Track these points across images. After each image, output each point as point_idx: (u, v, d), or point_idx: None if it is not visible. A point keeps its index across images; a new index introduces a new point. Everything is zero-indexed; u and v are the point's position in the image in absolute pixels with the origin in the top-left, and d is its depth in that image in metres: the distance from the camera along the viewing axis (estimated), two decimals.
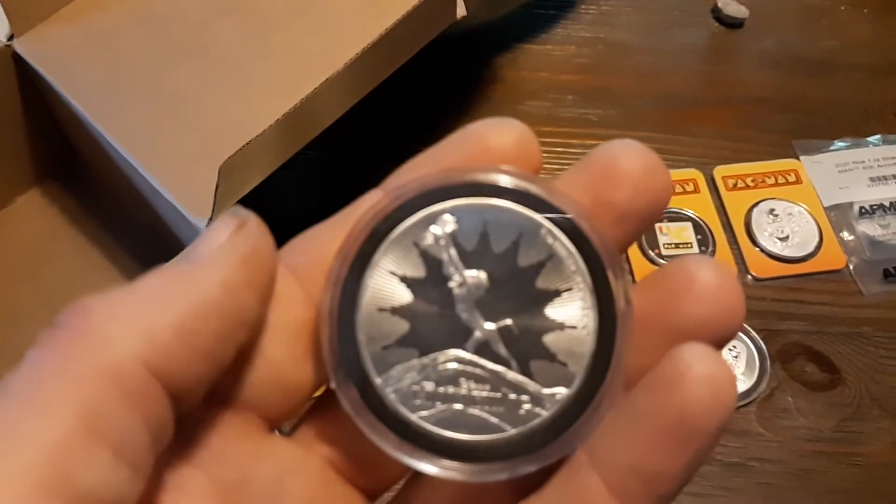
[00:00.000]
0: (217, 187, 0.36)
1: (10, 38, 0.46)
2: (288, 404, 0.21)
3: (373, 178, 0.58)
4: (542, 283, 0.20)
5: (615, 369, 0.19)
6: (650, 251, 0.50)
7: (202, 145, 0.42)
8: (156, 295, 0.18)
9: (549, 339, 0.20)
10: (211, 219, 0.38)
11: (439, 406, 0.20)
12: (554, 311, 0.20)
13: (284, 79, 0.44)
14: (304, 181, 0.55)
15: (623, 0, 0.64)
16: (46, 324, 0.18)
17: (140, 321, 0.17)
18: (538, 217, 0.20)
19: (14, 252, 0.50)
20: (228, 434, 0.20)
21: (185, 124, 0.43)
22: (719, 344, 0.19)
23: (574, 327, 0.20)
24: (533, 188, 0.20)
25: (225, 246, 0.18)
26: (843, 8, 0.64)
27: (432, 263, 0.20)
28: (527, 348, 0.20)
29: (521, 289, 0.20)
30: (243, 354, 0.20)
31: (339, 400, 0.20)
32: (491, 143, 0.21)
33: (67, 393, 0.16)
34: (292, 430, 0.22)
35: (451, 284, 0.20)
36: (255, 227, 0.19)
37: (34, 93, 0.48)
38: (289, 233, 0.54)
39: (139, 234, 0.49)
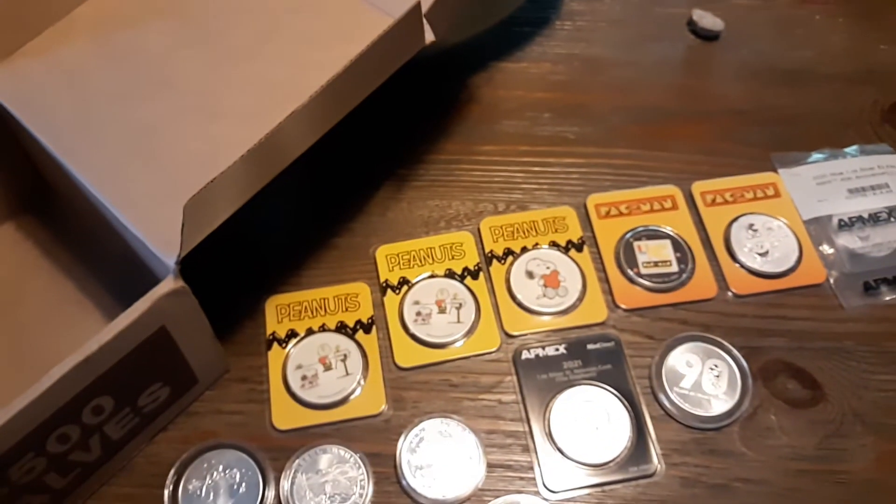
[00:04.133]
0: (183, 226, 0.36)
1: None
2: None
3: (355, 200, 0.58)
4: None
5: None
6: (629, 270, 0.50)
7: (170, 179, 0.42)
8: None
9: None
10: (179, 255, 0.38)
11: None
12: None
13: (251, 109, 0.44)
14: (285, 207, 0.54)
15: (598, 15, 0.64)
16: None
17: None
18: None
19: None
20: None
21: (152, 158, 0.43)
22: None
23: None
24: None
25: None
26: (817, 17, 0.64)
27: None
28: None
29: None
30: None
31: None
32: None
33: None
34: None
35: None
36: None
37: (4, 128, 0.47)
38: (274, 260, 0.54)
39: (114, 267, 0.49)
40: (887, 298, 0.49)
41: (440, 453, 0.44)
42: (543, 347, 0.48)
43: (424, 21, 0.43)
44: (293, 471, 0.44)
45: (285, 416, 0.46)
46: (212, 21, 0.48)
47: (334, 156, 0.56)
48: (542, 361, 0.47)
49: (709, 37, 0.63)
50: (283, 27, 0.46)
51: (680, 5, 0.64)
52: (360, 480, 0.43)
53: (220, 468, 0.44)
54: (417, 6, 0.41)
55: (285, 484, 0.43)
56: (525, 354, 0.47)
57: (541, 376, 0.47)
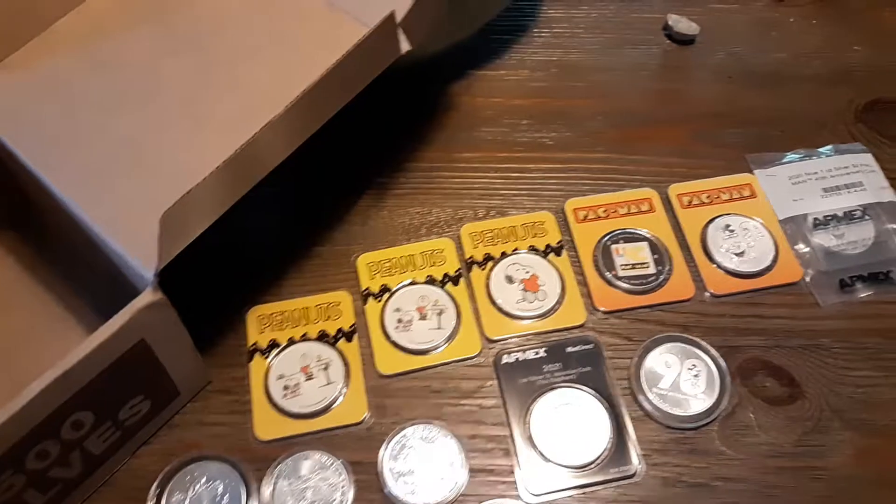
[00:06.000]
0: (160, 238, 0.36)
1: None
2: None
3: (336, 209, 0.59)
4: None
5: None
6: (607, 273, 0.51)
7: (149, 191, 0.42)
8: None
9: None
10: (157, 268, 0.38)
11: None
12: None
13: (232, 119, 0.44)
14: (266, 216, 0.55)
15: (575, 22, 0.65)
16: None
17: None
18: None
19: None
20: None
21: (132, 170, 0.43)
22: None
23: None
24: None
25: None
26: (792, 20, 0.65)
27: None
28: None
29: None
30: None
31: None
32: None
33: None
34: None
35: None
36: None
37: None
38: (255, 270, 0.54)
39: (97, 282, 0.49)
40: (862, 295, 0.50)
41: (422, 460, 0.44)
42: (524, 351, 0.48)
43: (400, 31, 0.43)
44: (274, 476, 0.44)
45: (268, 426, 0.46)
46: (191, 31, 0.49)
47: (315, 164, 0.56)
48: (522, 365, 0.48)
49: (684, 41, 0.64)
50: (262, 36, 0.47)
51: (655, 10, 0.65)
52: (342, 486, 0.44)
53: (203, 480, 0.44)
54: (391, 16, 0.41)
55: (266, 490, 0.44)
56: (505, 359, 0.48)
57: (521, 380, 0.47)
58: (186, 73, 0.47)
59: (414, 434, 0.45)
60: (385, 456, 0.45)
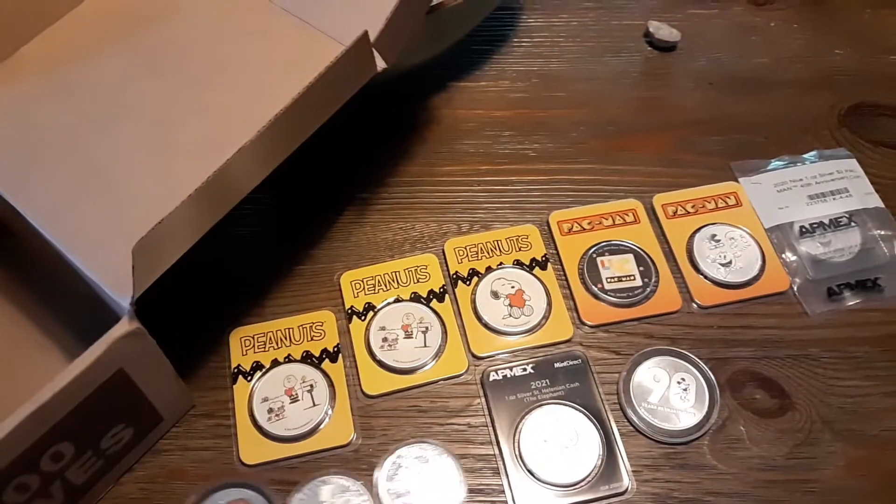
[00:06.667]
0: (133, 268, 0.35)
1: None
2: None
3: (318, 227, 0.58)
4: None
5: None
6: (593, 286, 0.50)
7: (122, 217, 0.41)
8: None
9: None
10: (132, 298, 0.37)
11: None
12: None
13: (205, 142, 0.43)
14: (247, 236, 0.54)
15: (555, 31, 0.64)
16: None
17: None
18: None
19: None
20: None
21: (104, 195, 0.42)
22: None
23: None
24: None
25: None
26: (773, 24, 0.65)
27: None
28: None
29: None
30: None
31: None
32: None
33: None
34: None
35: None
36: None
37: None
38: (237, 291, 0.53)
39: (76, 306, 0.48)
40: (850, 303, 0.50)
41: (418, 479, 0.44)
42: (511, 368, 0.47)
43: (374, 50, 0.43)
44: None
45: (253, 450, 0.45)
46: (163, 53, 0.48)
47: (295, 182, 0.55)
48: (509, 382, 0.47)
49: (666, 48, 0.63)
50: (234, 58, 0.46)
51: (636, 17, 0.65)
52: None
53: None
54: (365, 36, 0.41)
55: None
56: (493, 376, 0.47)
57: (509, 397, 0.46)
58: (156, 96, 0.46)
59: (409, 454, 0.45)
60: (381, 477, 0.44)
